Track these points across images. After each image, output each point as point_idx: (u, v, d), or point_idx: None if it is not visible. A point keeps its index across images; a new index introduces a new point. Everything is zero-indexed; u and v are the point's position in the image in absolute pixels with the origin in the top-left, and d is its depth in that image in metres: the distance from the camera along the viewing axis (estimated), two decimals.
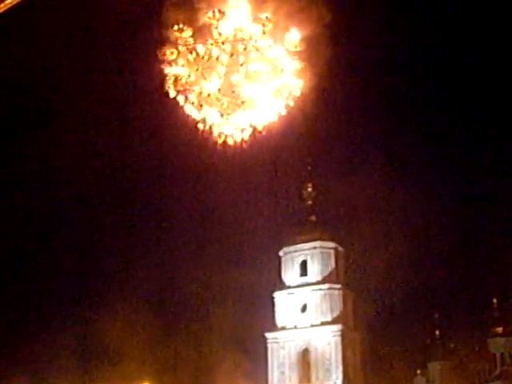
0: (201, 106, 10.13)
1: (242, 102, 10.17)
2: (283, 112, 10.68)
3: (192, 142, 10.70)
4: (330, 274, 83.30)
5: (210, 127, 10.25)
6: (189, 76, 10.15)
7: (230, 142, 10.37)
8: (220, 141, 10.26)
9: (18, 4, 11.02)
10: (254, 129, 10.43)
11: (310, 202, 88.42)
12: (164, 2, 10.62)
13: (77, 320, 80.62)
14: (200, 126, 10.25)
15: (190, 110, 10.26)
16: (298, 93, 10.80)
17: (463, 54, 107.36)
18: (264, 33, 10.50)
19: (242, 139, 10.43)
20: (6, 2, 10.91)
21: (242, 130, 10.33)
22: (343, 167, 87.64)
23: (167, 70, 10.21)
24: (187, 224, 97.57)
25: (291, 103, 10.77)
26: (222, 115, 10.15)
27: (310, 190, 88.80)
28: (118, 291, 79.98)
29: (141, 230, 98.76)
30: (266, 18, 10.50)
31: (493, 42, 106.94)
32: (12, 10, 11.06)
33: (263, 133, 10.47)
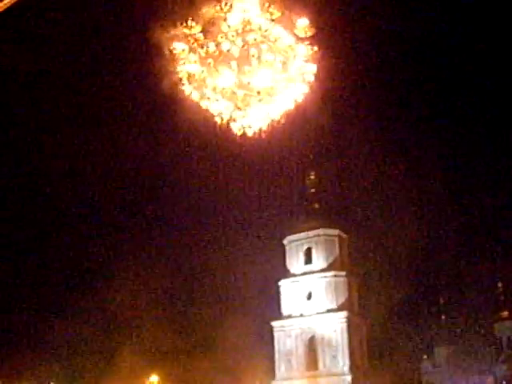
0: (216, 100, 10.00)
1: (258, 93, 10.04)
2: (299, 99, 10.58)
3: (207, 136, 10.56)
4: (335, 261, 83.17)
5: (228, 121, 10.13)
6: (202, 72, 10.01)
7: (249, 133, 10.23)
8: (239, 133, 10.13)
9: (19, 4, 10.90)
10: (272, 119, 10.32)
11: (312, 190, 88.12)
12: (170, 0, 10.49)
13: (93, 298, 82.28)
14: (217, 119, 10.12)
15: (206, 106, 10.13)
16: (312, 78, 10.71)
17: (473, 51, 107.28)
18: (273, 20, 10.41)
19: (261, 129, 10.31)
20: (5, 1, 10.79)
21: (261, 121, 10.20)
22: (346, 154, 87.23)
23: (180, 67, 10.08)
24: (190, 215, 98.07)
25: (306, 90, 10.67)
26: (238, 108, 10.02)
27: (312, 177, 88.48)
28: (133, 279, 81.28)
29: (154, 217, 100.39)
30: (273, 6, 10.42)
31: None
32: (13, 11, 10.93)
33: (281, 122, 10.35)
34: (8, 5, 10.88)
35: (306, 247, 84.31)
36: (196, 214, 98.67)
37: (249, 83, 10.04)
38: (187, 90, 10.07)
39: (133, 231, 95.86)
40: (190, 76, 9.98)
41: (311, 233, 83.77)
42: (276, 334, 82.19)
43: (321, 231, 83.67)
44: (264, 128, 10.33)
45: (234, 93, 9.95)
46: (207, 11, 10.31)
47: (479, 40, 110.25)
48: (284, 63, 10.47)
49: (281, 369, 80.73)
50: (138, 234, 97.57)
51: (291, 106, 10.54)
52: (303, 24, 10.59)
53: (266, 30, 10.33)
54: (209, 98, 10.03)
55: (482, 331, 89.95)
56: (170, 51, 10.04)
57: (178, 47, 10.01)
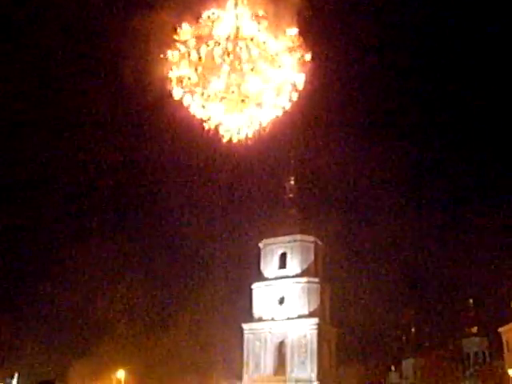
0: (203, 107, 10.06)
1: (243, 101, 10.11)
2: (287, 107, 10.71)
3: (195, 141, 10.66)
4: (309, 267, 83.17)
5: (216, 126, 10.19)
6: (189, 78, 10.09)
7: (235, 139, 10.30)
8: (225, 139, 10.21)
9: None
10: (260, 125, 10.41)
11: (291, 195, 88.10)
12: (164, 6, 10.58)
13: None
14: (205, 124, 10.18)
15: (195, 110, 10.19)
16: (300, 87, 10.83)
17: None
18: (259, 30, 10.51)
19: (247, 136, 10.39)
20: None
21: (247, 127, 10.28)
22: (327, 162, 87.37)
23: (171, 72, 10.18)
24: (169, 214, 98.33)
25: (294, 98, 10.78)
26: (226, 113, 10.07)
27: (292, 182, 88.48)
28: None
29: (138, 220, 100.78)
30: (262, 15, 10.52)
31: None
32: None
33: (268, 129, 10.45)
34: None
35: (281, 252, 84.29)
36: (175, 213, 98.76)
37: (233, 92, 10.10)
38: (178, 94, 10.13)
39: (117, 233, 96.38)
40: (180, 81, 10.05)
41: (287, 238, 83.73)
42: (246, 337, 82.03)
43: (297, 237, 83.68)
44: (250, 135, 10.40)
45: (221, 98, 10.01)
46: (199, 18, 10.41)
47: (465, 60, 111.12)
48: (272, 71, 10.54)
49: (249, 371, 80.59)
50: (118, 235, 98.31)
51: (279, 114, 10.64)
52: (292, 33, 10.70)
53: (251, 39, 10.43)
54: (198, 103, 10.09)
55: (451, 346, 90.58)
56: (163, 56, 10.12)
57: (170, 53, 10.11)
